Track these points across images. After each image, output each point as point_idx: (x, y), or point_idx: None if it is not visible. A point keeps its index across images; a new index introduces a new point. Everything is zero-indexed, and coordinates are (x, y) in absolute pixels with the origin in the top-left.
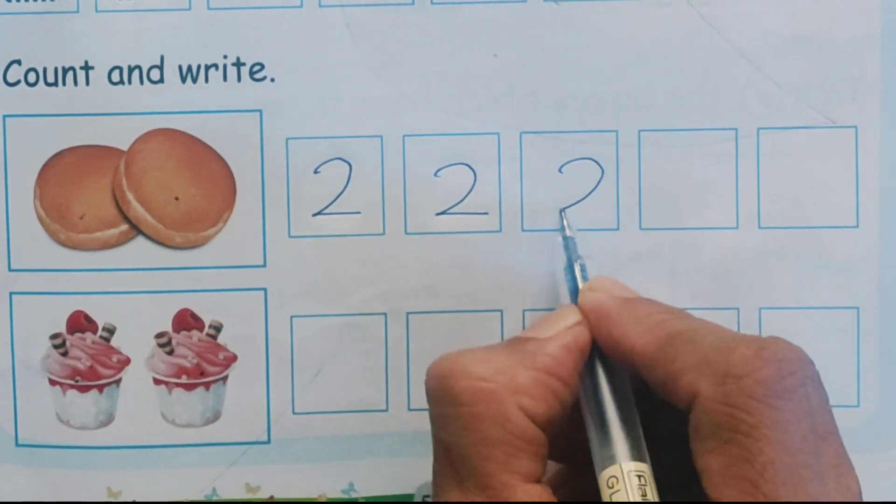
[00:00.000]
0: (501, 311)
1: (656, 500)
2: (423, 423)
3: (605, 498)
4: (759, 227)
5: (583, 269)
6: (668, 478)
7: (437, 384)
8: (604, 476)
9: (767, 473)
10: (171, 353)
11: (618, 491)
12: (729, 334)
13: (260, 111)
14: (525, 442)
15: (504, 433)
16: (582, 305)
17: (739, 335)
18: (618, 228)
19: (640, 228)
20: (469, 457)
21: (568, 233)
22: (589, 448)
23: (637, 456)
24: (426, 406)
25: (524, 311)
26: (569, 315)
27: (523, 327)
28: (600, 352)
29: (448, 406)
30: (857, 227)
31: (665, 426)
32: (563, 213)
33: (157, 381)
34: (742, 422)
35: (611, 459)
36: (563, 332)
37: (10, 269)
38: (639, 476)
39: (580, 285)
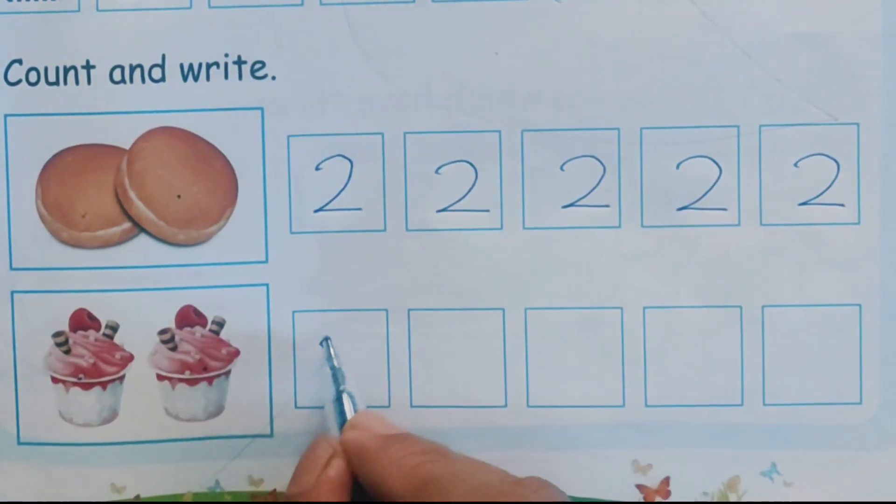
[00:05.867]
0: (503, 310)
1: None
2: (425, 419)
3: None
4: (761, 225)
5: (352, 400)
6: None
7: None
8: None
9: None
10: (174, 349)
11: None
12: (483, 480)
13: (261, 109)
14: None
15: None
16: (343, 445)
17: (497, 482)
18: (619, 226)
19: (642, 226)
20: None
21: (336, 363)
22: None
23: None
24: (428, 403)
25: (526, 309)
26: (321, 451)
27: (525, 327)
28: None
29: None
30: (858, 223)
31: None
32: (328, 343)
33: (160, 377)
34: None
35: None
36: (323, 478)
37: (11, 269)
38: None
39: (349, 418)
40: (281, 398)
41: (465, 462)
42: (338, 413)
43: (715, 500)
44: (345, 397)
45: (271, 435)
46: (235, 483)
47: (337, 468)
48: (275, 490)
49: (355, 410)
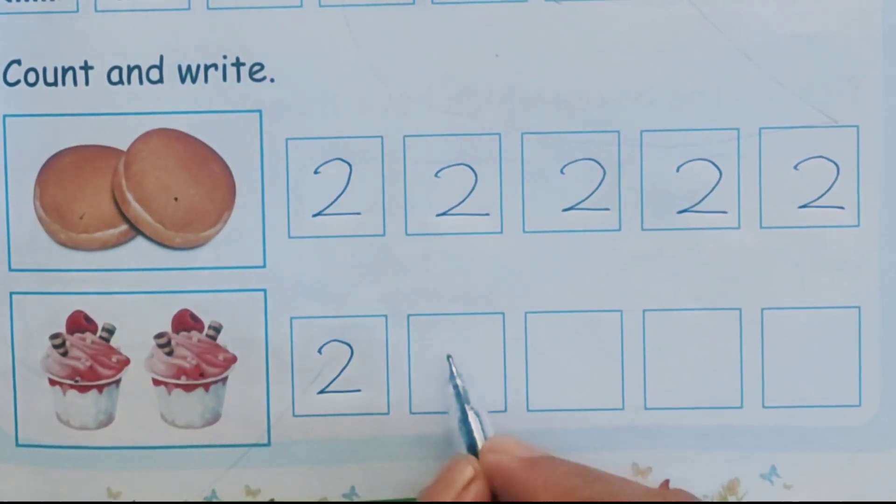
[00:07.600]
0: (503, 314)
1: None
2: (425, 426)
3: None
4: (761, 227)
5: (480, 420)
6: None
7: None
8: None
9: None
10: (170, 353)
11: None
12: (634, 498)
13: (260, 111)
14: None
15: None
16: (485, 468)
17: (645, 497)
18: (619, 229)
19: (642, 229)
20: None
21: (459, 382)
22: None
23: None
24: (428, 409)
25: (526, 313)
26: (464, 471)
27: (525, 331)
28: None
29: None
30: (858, 226)
31: None
32: (450, 360)
33: (156, 382)
34: None
35: None
36: (462, 494)
37: (10, 270)
38: None
39: (478, 440)
40: (278, 406)
41: (617, 481)
42: (464, 433)
43: (714, 502)
44: (471, 416)
45: (269, 444)
46: (232, 493)
47: (477, 492)
48: (272, 500)
49: (483, 428)
